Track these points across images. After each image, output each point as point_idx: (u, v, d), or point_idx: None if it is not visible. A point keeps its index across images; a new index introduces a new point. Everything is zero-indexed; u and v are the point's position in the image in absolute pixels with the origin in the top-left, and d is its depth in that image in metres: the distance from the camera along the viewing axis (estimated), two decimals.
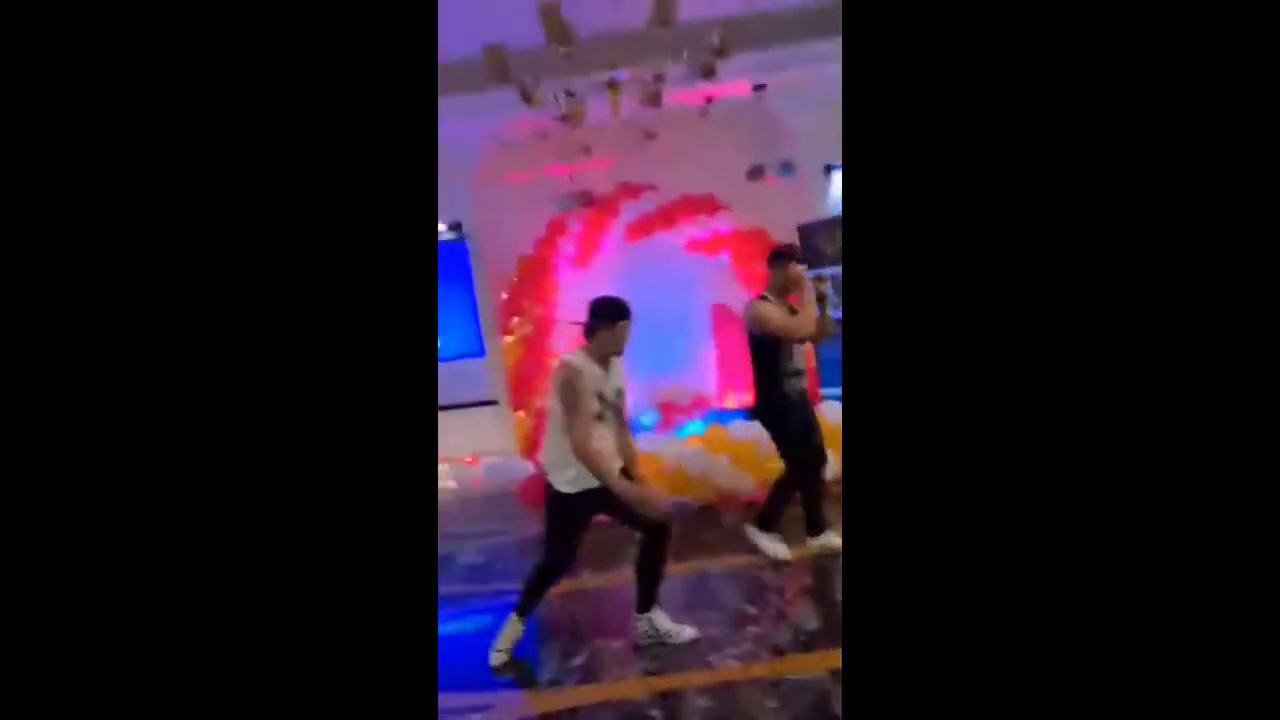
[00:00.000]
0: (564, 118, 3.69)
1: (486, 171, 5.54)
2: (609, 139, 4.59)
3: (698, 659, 2.31)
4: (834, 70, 5.06)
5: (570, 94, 3.56)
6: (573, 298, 5.19)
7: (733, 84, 4.68)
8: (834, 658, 2.18)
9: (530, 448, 5.08)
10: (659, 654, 2.37)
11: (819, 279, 3.07)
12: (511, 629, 2.43)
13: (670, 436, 4.45)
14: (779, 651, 2.30)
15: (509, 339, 5.35)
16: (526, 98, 3.48)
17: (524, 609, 2.43)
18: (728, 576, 3.00)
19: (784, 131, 5.49)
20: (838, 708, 1.91)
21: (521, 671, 2.42)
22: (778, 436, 3.02)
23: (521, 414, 5.30)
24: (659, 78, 3.41)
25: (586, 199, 4.85)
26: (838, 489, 3.87)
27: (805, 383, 3.04)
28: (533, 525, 4.12)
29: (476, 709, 2.18)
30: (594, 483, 2.27)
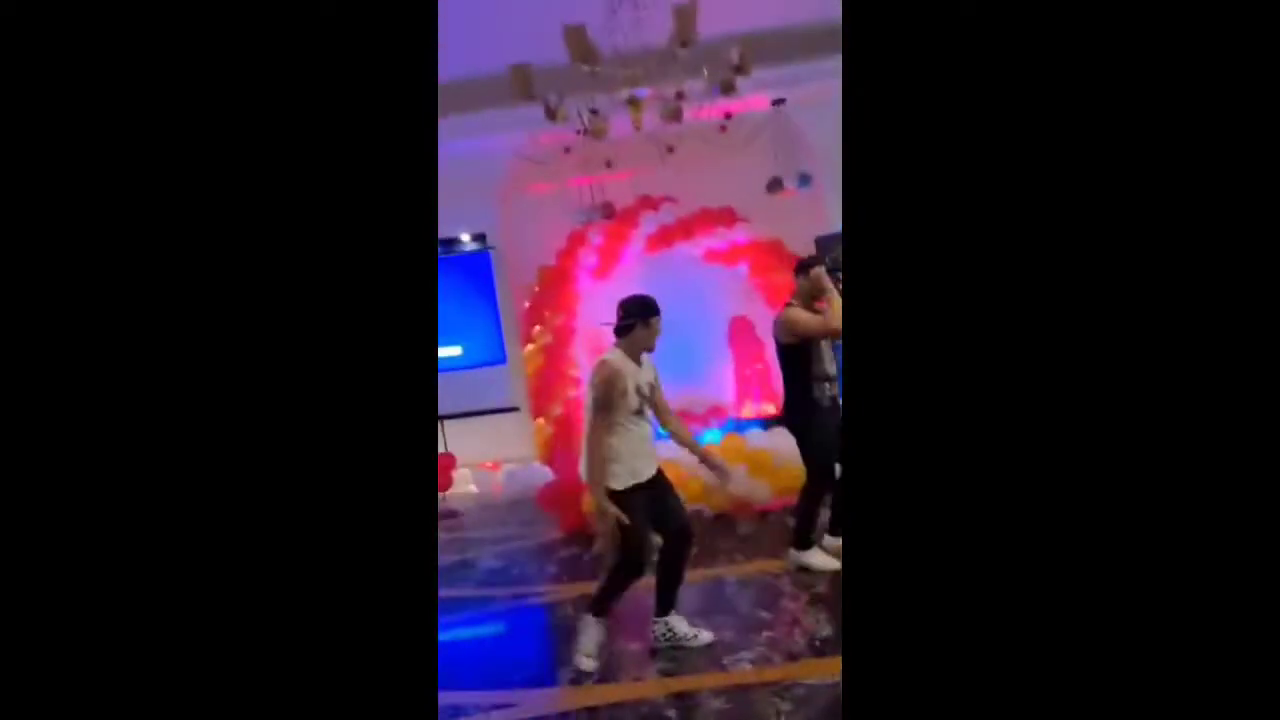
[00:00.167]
0: (587, 132, 3.79)
1: (510, 184, 5.68)
2: (630, 153, 4.69)
3: (713, 662, 2.37)
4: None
5: (594, 111, 3.66)
6: (593, 308, 5.29)
7: (752, 98, 4.76)
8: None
9: (550, 454, 5.16)
10: (675, 656, 2.43)
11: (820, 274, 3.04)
12: (592, 633, 2.41)
13: None
14: (792, 656, 2.35)
15: (530, 347, 5.45)
16: (551, 114, 3.59)
17: (600, 610, 2.42)
18: (742, 583, 3.05)
19: (802, 145, 5.56)
20: None
21: (541, 671, 2.50)
22: (803, 442, 3.02)
23: (541, 421, 5.40)
24: (680, 95, 3.50)
25: (607, 211, 4.95)
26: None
27: (836, 389, 3.02)
28: (551, 530, 4.20)
29: (498, 706, 2.26)
30: (641, 479, 2.35)
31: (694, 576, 3.11)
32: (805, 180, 5.28)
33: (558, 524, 4.20)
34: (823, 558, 3.04)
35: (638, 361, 2.43)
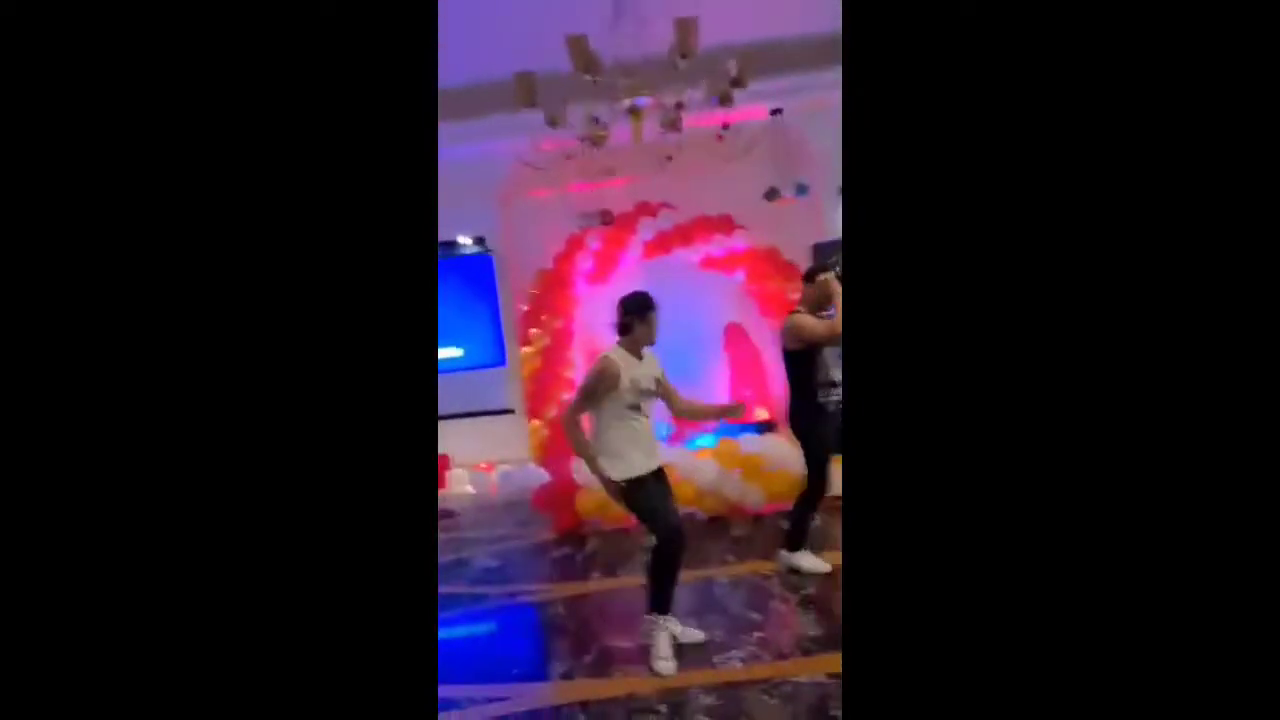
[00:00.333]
0: (588, 139, 3.86)
1: (512, 189, 5.75)
2: (630, 160, 4.76)
3: (703, 660, 2.42)
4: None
5: (595, 119, 3.73)
6: (590, 312, 5.35)
7: (750, 108, 4.83)
8: (833, 662, 2.28)
9: (545, 456, 5.21)
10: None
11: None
12: (662, 631, 2.45)
13: (682, 449, 4.56)
14: (781, 655, 2.40)
15: (527, 350, 5.51)
16: (552, 121, 3.65)
17: (661, 605, 2.46)
18: (734, 584, 3.11)
19: (799, 154, 5.64)
20: (835, 709, 2.02)
21: (534, 667, 2.55)
22: (806, 446, 3.05)
23: (537, 423, 5.45)
24: (679, 105, 3.56)
25: (606, 217, 5.02)
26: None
27: (839, 395, 3.11)
28: (545, 531, 4.25)
29: (493, 700, 2.31)
30: (638, 472, 2.41)
31: (686, 578, 3.16)
32: (802, 189, 5.37)
33: (551, 525, 4.25)
34: (812, 560, 3.09)
35: (638, 356, 2.49)
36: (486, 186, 5.51)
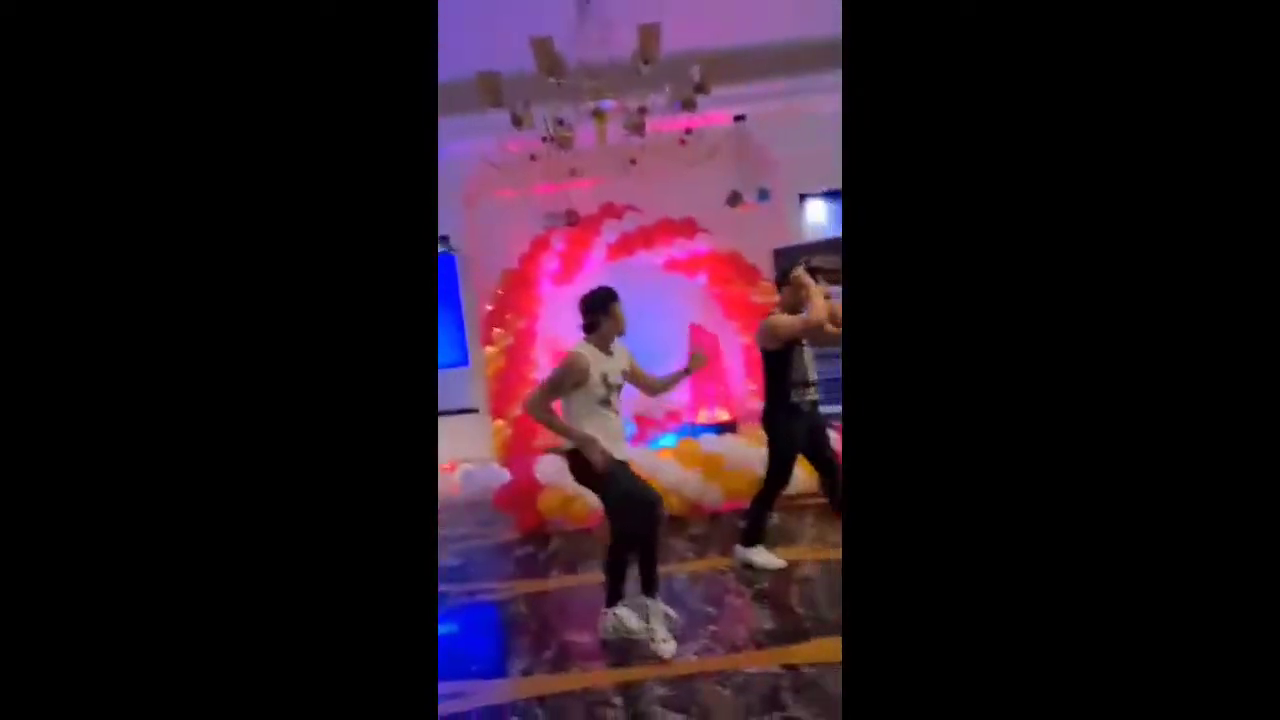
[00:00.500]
0: (552, 140, 3.89)
1: (476, 188, 5.74)
2: (595, 162, 4.80)
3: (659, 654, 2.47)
4: (810, 103, 5.29)
5: (560, 121, 3.76)
6: (554, 312, 5.38)
7: (714, 114, 4.92)
8: (786, 654, 2.36)
9: (508, 455, 5.22)
10: (623, 648, 2.53)
11: (827, 294, 3.17)
12: (656, 613, 2.54)
13: (644, 449, 4.62)
14: (735, 648, 2.47)
15: (491, 350, 5.51)
16: (517, 121, 3.68)
17: (651, 588, 2.56)
18: (691, 580, 3.17)
19: (761, 160, 5.76)
20: (786, 698, 2.08)
21: (493, 664, 2.57)
22: (774, 442, 3.09)
23: (501, 423, 5.45)
24: (642, 109, 3.62)
25: (571, 217, 5.05)
26: (807, 502, 4.06)
27: (817, 394, 3.10)
28: (507, 531, 4.26)
29: (453, 696, 2.32)
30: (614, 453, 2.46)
31: None
32: (764, 195, 5.48)
33: (514, 524, 4.26)
34: (766, 556, 3.17)
35: (608, 351, 2.53)
36: (451, 186, 5.48)
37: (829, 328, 2.99)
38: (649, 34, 3.07)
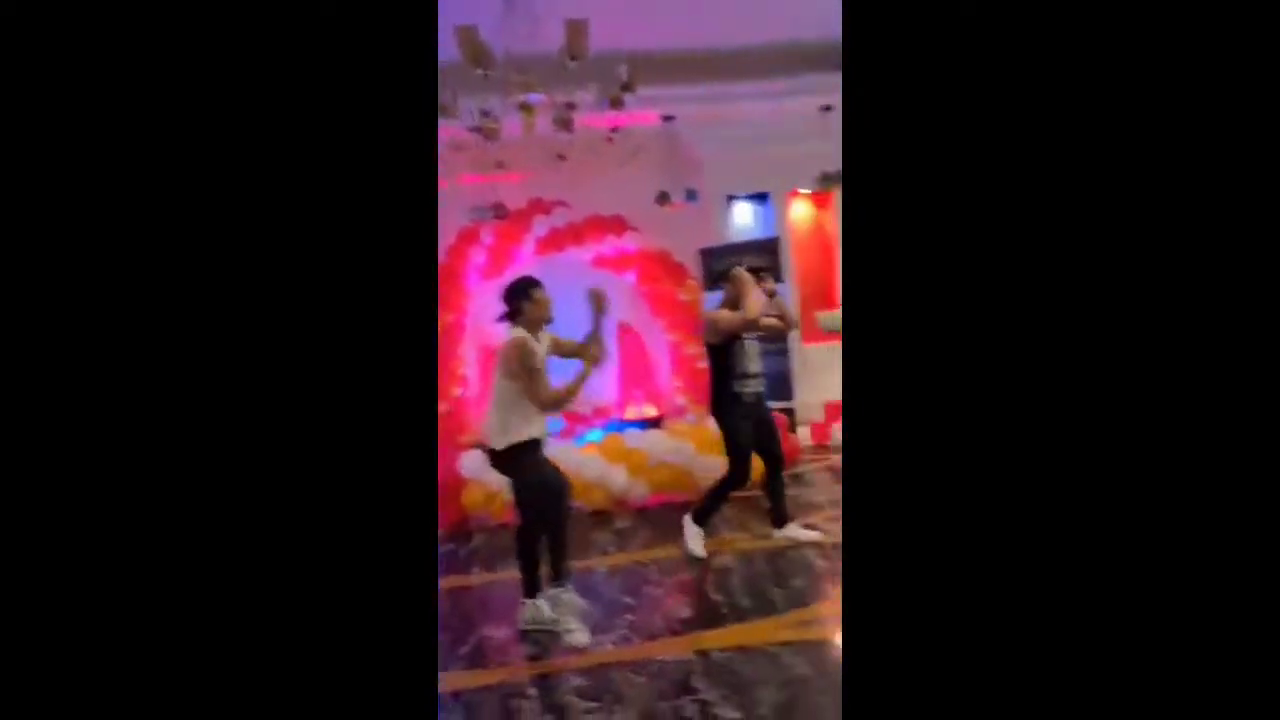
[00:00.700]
0: (479, 131, 3.84)
1: None
2: (523, 156, 4.77)
3: (576, 646, 2.50)
4: (738, 108, 5.40)
5: (486, 113, 3.72)
6: (482, 306, 5.30)
7: (643, 113, 4.98)
8: (701, 640, 2.43)
9: None
10: (540, 640, 2.55)
11: (771, 290, 3.32)
12: (566, 603, 2.55)
13: (569, 444, 4.63)
14: (651, 636, 2.52)
15: None
16: (443, 111, 3.61)
17: (562, 577, 2.56)
18: (611, 572, 3.21)
19: (689, 161, 5.86)
20: (698, 683, 2.15)
21: None
22: (725, 434, 3.20)
23: None
24: (569, 105, 3.63)
25: (500, 210, 4.99)
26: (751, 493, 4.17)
27: (760, 386, 3.23)
28: None
29: None
30: (523, 438, 2.47)
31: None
32: (692, 195, 5.58)
33: (436, 520, 4.19)
34: (697, 543, 3.25)
35: (537, 339, 2.55)
36: None
37: (764, 322, 3.21)
38: (576, 29, 3.08)
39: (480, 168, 4.77)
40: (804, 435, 5.62)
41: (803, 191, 6.66)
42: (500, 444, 2.49)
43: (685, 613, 2.70)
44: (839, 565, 3.02)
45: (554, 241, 5.47)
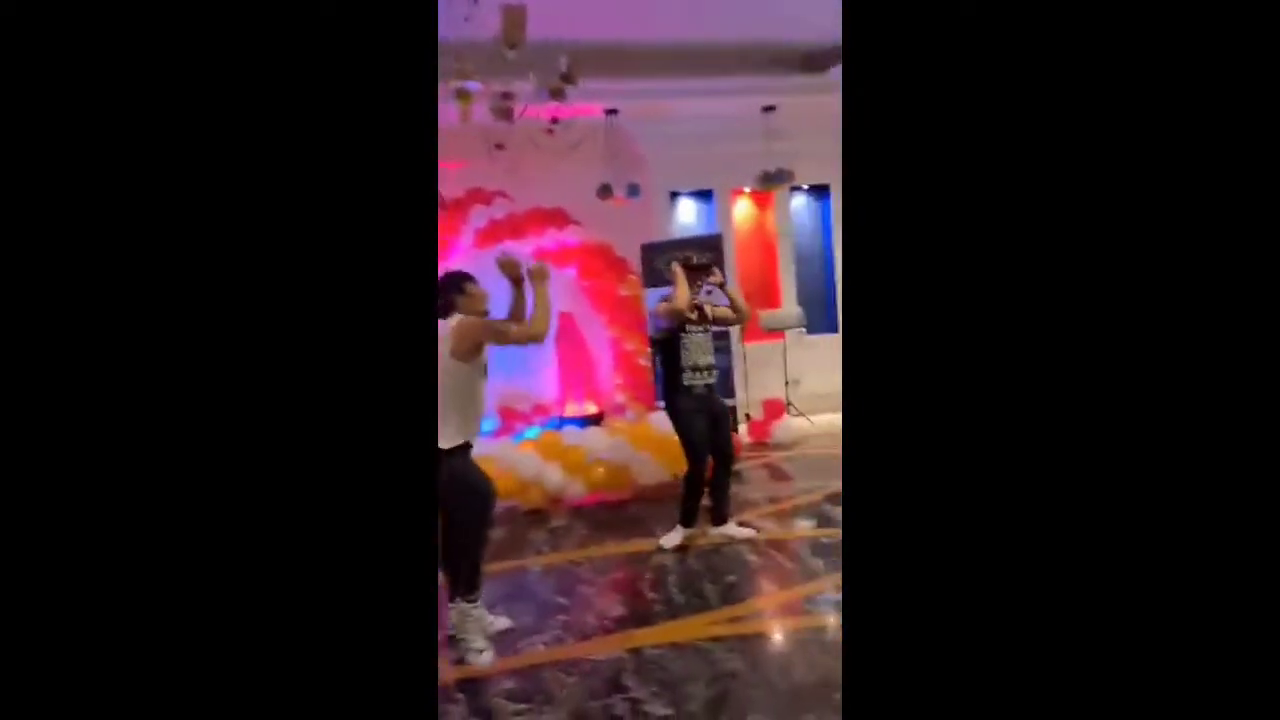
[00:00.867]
0: None
1: None
2: (460, 145, 4.65)
3: (508, 647, 2.44)
4: (681, 105, 5.40)
5: None
6: None
7: (585, 106, 4.92)
8: (633, 638, 2.41)
9: None
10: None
11: (719, 282, 3.37)
12: (473, 619, 2.43)
13: (506, 441, 4.54)
14: (584, 636, 2.49)
15: None
16: None
17: (472, 589, 2.45)
18: (546, 572, 3.16)
19: (632, 156, 5.83)
20: (629, 681, 2.13)
21: None
22: (676, 427, 3.24)
23: None
24: (507, 95, 3.54)
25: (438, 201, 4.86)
26: (664, 493, 4.17)
27: (710, 378, 3.23)
28: None
29: None
30: (459, 440, 2.36)
31: (498, 568, 3.17)
32: (634, 190, 5.56)
33: None
34: (672, 537, 3.26)
35: None
36: None
37: (716, 312, 3.34)
38: (513, 17, 3.01)
39: None
40: (742, 432, 5.68)
41: (745, 190, 6.74)
42: (445, 441, 2.35)
43: (619, 611, 2.68)
44: (773, 561, 3.05)
45: (493, 233, 5.36)
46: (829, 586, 2.72)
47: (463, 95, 3.59)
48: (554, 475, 4.08)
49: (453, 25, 3.54)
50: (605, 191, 5.39)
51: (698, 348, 3.22)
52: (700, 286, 3.30)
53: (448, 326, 2.40)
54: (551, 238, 5.50)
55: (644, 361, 5.43)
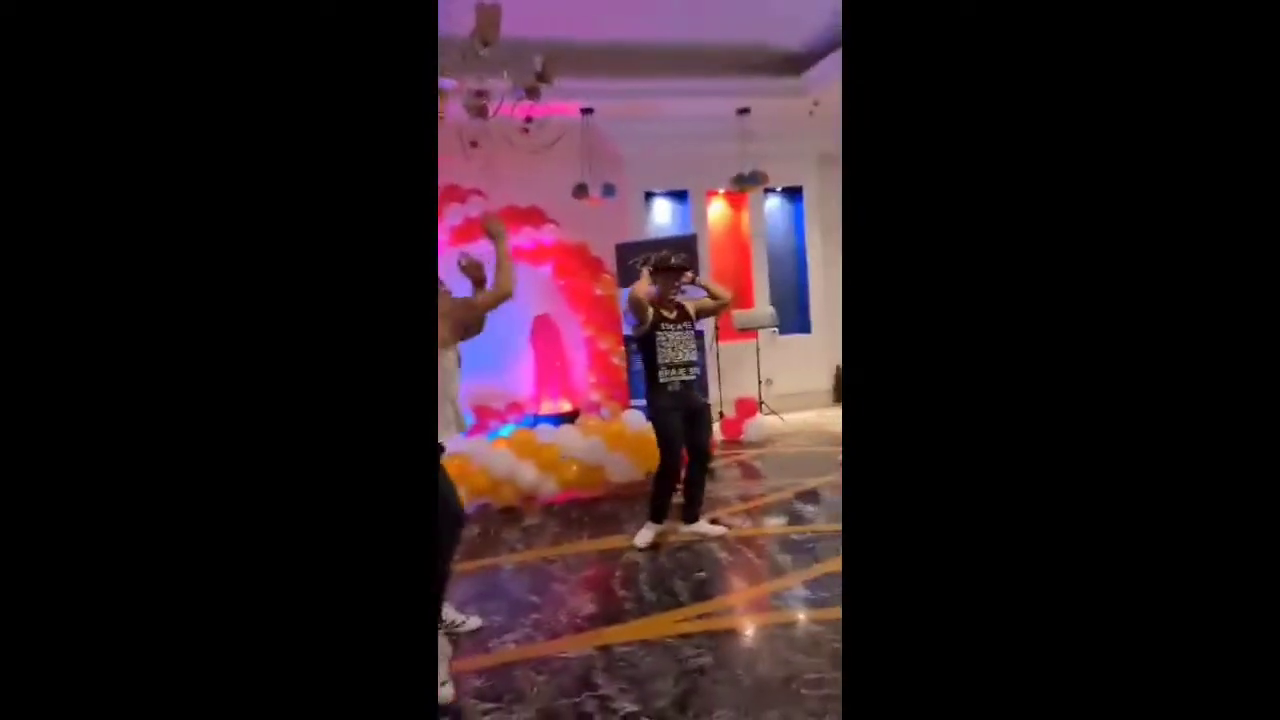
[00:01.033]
0: None
1: None
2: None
3: (479, 646, 2.45)
4: (657, 105, 5.42)
5: None
6: None
7: (561, 105, 4.92)
8: (603, 635, 2.43)
9: None
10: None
11: (691, 278, 3.47)
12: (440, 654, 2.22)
13: (480, 439, 4.53)
14: (555, 634, 2.50)
15: None
16: None
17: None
18: (518, 570, 3.17)
19: (607, 156, 5.85)
20: (597, 679, 2.15)
21: None
22: (653, 425, 3.29)
23: None
24: (480, 93, 3.54)
25: None
26: (636, 491, 4.19)
27: (686, 375, 3.26)
28: None
29: None
30: (443, 438, 2.29)
31: (470, 567, 3.17)
32: (610, 190, 5.57)
33: None
34: (645, 535, 3.28)
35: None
36: None
37: (700, 305, 3.44)
38: (487, 15, 3.00)
39: None
40: (715, 431, 5.74)
41: (720, 191, 6.79)
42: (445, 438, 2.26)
43: (590, 609, 2.70)
44: (743, 558, 3.10)
45: (469, 232, 5.33)
46: (797, 583, 2.77)
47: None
48: (528, 473, 4.08)
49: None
50: (581, 191, 5.40)
51: (675, 345, 3.26)
52: (677, 288, 3.36)
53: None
54: (527, 236, 5.49)
55: (618, 360, 5.45)
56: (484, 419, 5.48)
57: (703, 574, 2.94)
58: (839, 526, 3.39)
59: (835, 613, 2.47)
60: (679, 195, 6.75)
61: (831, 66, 5.46)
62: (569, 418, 5.27)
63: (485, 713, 2.02)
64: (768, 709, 1.90)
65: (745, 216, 6.92)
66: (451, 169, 5.23)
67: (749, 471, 4.76)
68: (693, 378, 3.30)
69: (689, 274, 3.42)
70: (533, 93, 3.71)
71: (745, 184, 5.79)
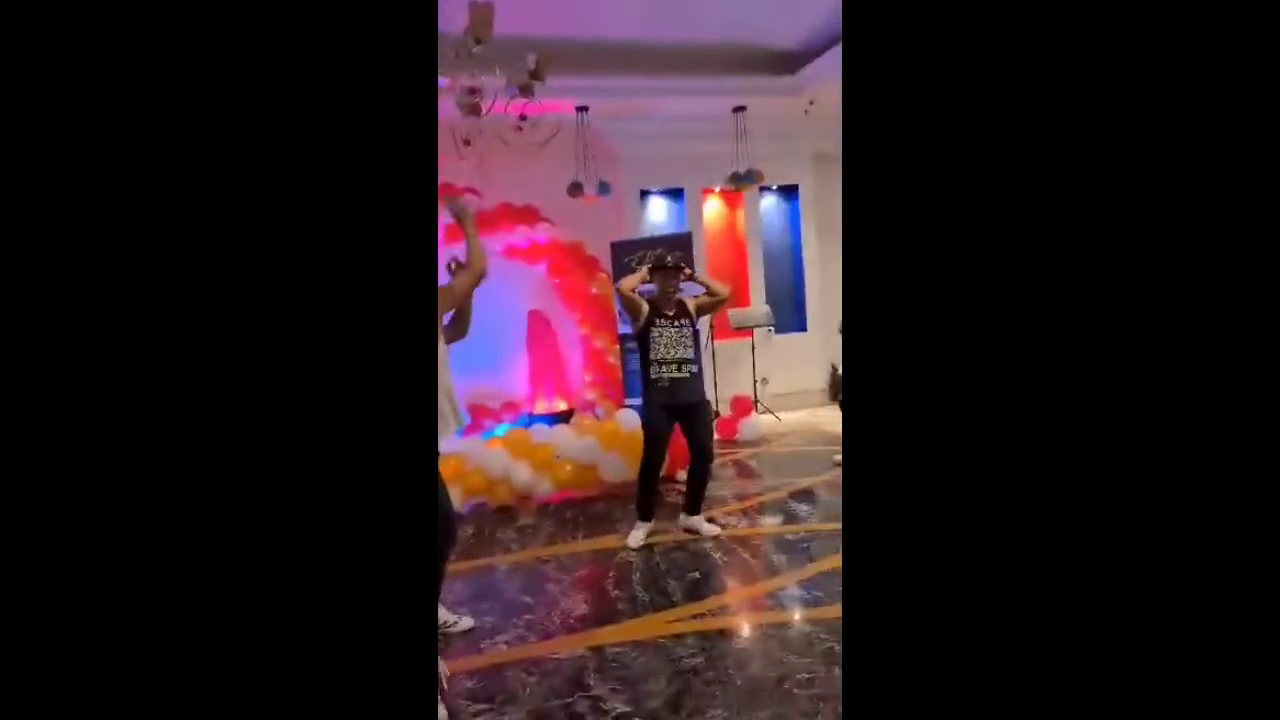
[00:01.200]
0: None
1: None
2: None
3: (470, 647, 2.44)
4: (652, 103, 5.42)
5: None
6: None
7: (556, 103, 4.90)
8: (596, 636, 2.42)
9: None
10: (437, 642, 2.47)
11: (686, 271, 3.48)
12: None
13: (476, 439, 4.52)
14: (548, 635, 2.49)
15: None
16: None
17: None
18: (511, 570, 3.16)
19: (602, 154, 5.83)
20: (590, 679, 2.14)
21: None
22: (643, 421, 3.32)
23: None
24: (473, 90, 3.52)
25: None
26: (625, 491, 4.18)
27: (676, 372, 3.25)
28: None
29: None
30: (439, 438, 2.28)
31: (464, 567, 3.16)
32: (605, 188, 5.56)
33: None
34: (637, 534, 3.29)
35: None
36: None
37: (698, 302, 3.43)
38: (481, 13, 2.99)
39: None
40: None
41: (715, 190, 6.78)
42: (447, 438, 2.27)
43: (583, 609, 2.69)
44: (737, 557, 3.09)
45: (460, 232, 5.31)
46: (791, 582, 2.77)
47: None
48: (522, 473, 4.07)
49: None
50: (576, 189, 5.38)
51: (669, 342, 3.27)
52: (675, 287, 3.36)
53: None
54: (522, 235, 5.47)
55: (613, 360, 5.44)
56: (479, 418, 5.47)
57: (696, 574, 2.94)
58: (834, 525, 3.39)
59: (829, 612, 2.46)
60: (674, 194, 6.74)
61: (827, 65, 5.45)
62: (564, 417, 5.26)
63: (477, 714, 2.02)
64: (760, 709, 1.90)
65: (741, 215, 6.92)
66: (445, 167, 5.20)
67: (744, 470, 4.76)
68: (686, 374, 3.29)
69: (686, 271, 3.43)
70: (526, 90, 3.70)
71: (741, 182, 5.78)
